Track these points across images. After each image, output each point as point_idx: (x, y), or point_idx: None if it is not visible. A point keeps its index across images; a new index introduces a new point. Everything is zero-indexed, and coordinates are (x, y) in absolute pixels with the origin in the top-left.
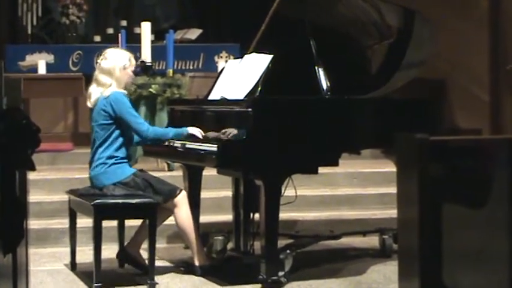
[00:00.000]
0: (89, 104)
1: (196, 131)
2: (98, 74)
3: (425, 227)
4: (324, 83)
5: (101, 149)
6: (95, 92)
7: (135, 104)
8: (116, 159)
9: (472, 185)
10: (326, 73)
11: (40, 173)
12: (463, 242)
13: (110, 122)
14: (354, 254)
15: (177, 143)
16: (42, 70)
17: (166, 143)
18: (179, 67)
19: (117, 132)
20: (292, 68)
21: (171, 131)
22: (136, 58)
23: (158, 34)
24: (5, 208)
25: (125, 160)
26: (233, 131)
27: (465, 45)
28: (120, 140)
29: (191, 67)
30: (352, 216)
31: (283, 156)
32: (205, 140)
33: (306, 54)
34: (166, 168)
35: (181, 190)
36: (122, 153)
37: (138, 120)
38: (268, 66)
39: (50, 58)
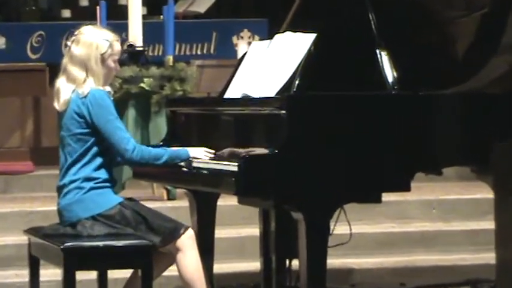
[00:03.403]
0: (57, 106)
1: (200, 153)
2: (67, 63)
3: None
4: (389, 73)
5: (74, 169)
6: (65, 89)
7: (121, 106)
8: (95, 182)
9: None
10: (392, 59)
11: None
12: None
13: (87, 130)
14: None
15: None
16: None
17: None
18: (182, 53)
19: (98, 146)
20: (344, 53)
21: (166, 154)
22: (123, 40)
23: (153, 6)
24: None
25: (108, 184)
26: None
27: None
28: (103, 157)
29: (199, 52)
30: (431, 262)
31: (331, 177)
32: (220, 158)
33: (363, 33)
34: (165, 197)
35: (186, 228)
36: (103, 174)
37: (122, 133)
38: (309, 50)
39: (1, 42)
